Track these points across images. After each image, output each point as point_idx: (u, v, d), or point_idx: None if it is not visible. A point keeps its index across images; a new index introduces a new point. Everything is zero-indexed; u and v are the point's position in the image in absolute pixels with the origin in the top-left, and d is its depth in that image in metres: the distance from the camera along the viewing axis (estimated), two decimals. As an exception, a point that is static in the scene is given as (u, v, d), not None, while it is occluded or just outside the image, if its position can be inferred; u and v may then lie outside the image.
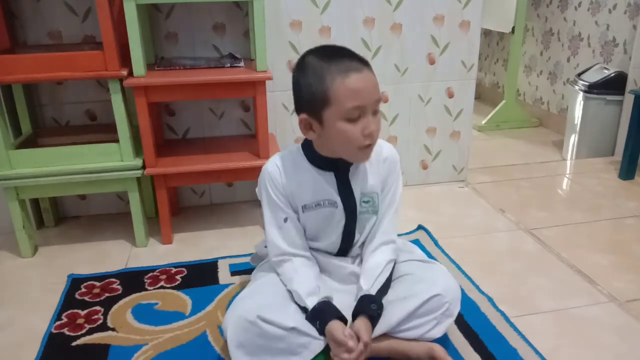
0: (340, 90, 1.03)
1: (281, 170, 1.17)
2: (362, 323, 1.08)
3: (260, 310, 1.06)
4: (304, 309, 1.11)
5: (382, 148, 1.22)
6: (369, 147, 1.09)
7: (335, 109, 1.05)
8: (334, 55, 1.07)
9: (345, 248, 1.25)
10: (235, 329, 1.06)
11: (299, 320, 1.08)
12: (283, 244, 1.18)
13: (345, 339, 1.05)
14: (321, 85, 1.04)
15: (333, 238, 1.22)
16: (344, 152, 1.12)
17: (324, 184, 1.17)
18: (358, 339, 1.06)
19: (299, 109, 1.12)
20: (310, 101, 1.08)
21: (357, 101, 1.04)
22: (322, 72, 1.05)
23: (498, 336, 1.24)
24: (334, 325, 1.07)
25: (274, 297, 1.13)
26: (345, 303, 1.14)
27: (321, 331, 1.08)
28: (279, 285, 1.17)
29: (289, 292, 1.15)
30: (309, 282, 1.13)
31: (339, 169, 1.17)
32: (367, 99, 1.05)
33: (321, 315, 1.08)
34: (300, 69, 1.10)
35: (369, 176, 1.20)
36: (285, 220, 1.18)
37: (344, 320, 1.10)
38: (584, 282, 1.49)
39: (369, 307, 1.10)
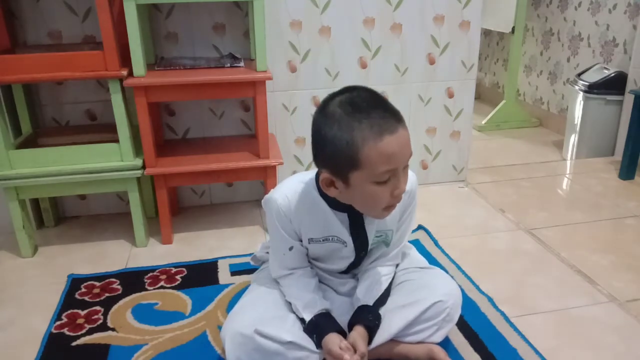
0: (372, 154, 0.93)
1: (291, 204, 1.09)
2: (358, 334, 1.07)
3: (258, 324, 1.04)
4: (302, 320, 1.09)
5: None
6: (394, 206, 1.03)
7: (365, 172, 0.95)
8: (364, 108, 0.94)
9: (350, 272, 1.23)
10: (232, 343, 1.05)
11: (296, 333, 1.07)
12: (284, 269, 1.15)
13: (341, 353, 1.02)
14: (350, 146, 0.93)
15: (337, 267, 1.19)
16: (367, 211, 1.04)
17: (336, 222, 1.09)
18: (355, 350, 1.04)
19: (320, 163, 1.01)
20: (335, 160, 0.97)
21: (391, 165, 0.95)
22: (351, 130, 0.93)
23: (498, 336, 1.24)
24: (331, 338, 1.04)
25: (272, 308, 1.11)
26: (345, 310, 1.13)
27: (318, 344, 1.06)
28: (277, 295, 1.15)
29: (288, 302, 1.13)
30: (307, 294, 1.11)
31: (354, 210, 1.07)
32: (400, 162, 0.96)
33: (318, 328, 1.07)
34: (324, 118, 0.97)
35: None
36: (291, 249, 1.13)
37: (342, 332, 1.08)
38: (584, 282, 1.49)
39: (366, 317, 1.09)
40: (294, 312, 1.11)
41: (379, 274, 1.16)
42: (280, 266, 1.16)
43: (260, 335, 1.03)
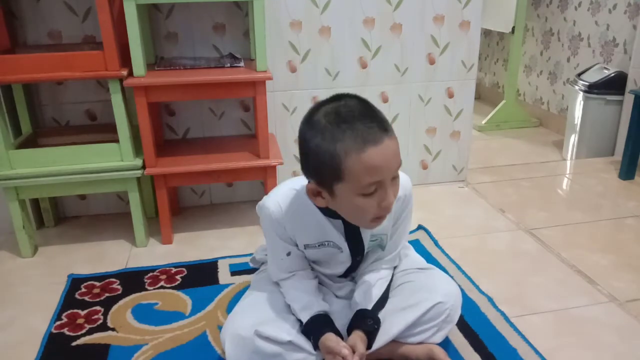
0: (355, 167, 0.90)
1: (284, 211, 1.08)
2: (357, 336, 1.06)
3: (257, 325, 1.04)
4: (300, 322, 1.09)
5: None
6: (384, 217, 1.00)
7: (349, 185, 0.93)
8: (349, 118, 0.91)
9: (348, 275, 1.22)
10: (231, 344, 1.05)
11: (295, 334, 1.07)
12: (284, 272, 1.15)
13: (338, 347, 1.02)
14: (333, 157, 0.91)
15: (335, 271, 1.19)
16: (354, 221, 1.03)
17: (331, 229, 1.08)
18: (354, 352, 1.03)
19: (306, 172, 1.00)
20: (319, 171, 0.96)
21: (375, 177, 0.92)
22: (334, 141, 0.91)
23: (498, 336, 1.24)
24: (328, 336, 1.04)
25: (272, 310, 1.11)
26: (344, 313, 1.13)
27: (316, 345, 1.06)
28: (277, 296, 1.15)
29: (288, 304, 1.13)
30: (305, 296, 1.11)
31: None
32: (386, 174, 0.93)
33: (315, 329, 1.06)
34: (309, 128, 0.95)
35: None
36: (288, 254, 1.13)
37: (339, 335, 1.07)
38: (584, 282, 1.49)
39: (365, 322, 1.08)
40: (294, 314, 1.11)
41: (376, 277, 1.16)
42: (279, 270, 1.16)
43: (260, 337, 1.03)
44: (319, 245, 1.11)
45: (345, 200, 0.96)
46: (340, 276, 1.21)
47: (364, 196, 0.94)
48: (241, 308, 1.14)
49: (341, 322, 1.11)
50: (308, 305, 1.09)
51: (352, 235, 1.10)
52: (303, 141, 0.96)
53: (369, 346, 1.08)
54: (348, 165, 0.91)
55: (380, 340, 1.10)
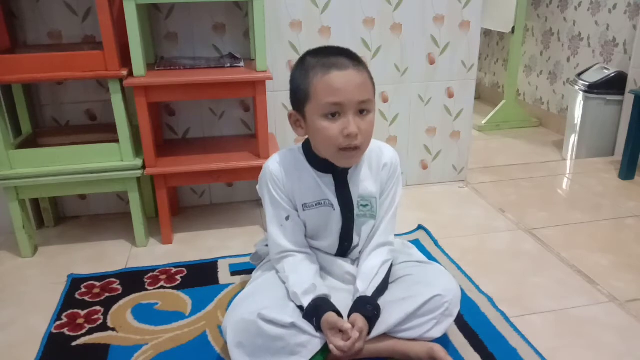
0: (318, 85, 1.04)
1: (282, 169, 1.17)
2: (357, 316, 1.09)
3: (260, 309, 1.06)
4: (301, 308, 1.10)
5: (383, 152, 1.21)
6: (353, 150, 1.08)
7: (314, 104, 1.05)
8: (326, 52, 1.08)
9: (343, 250, 1.24)
10: (234, 329, 1.06)
11: (297, 316, 1.08)
12: (284, 242, 1.18)
13: (340, 321, 1.05)
14: (304, 79, 1.06)
15: (331, 240, 1.22)
16: (326, 153, 1.11)
17: (322, 186, 1.16)
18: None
19: (291, 103, 1.13)
20: (295, 95, 1.10)
21: (335, 98, 1.03)
22: (308, 67, 1.06)
23: (498, 336, 1.24)
24: (330, 314, 1.07)
25: (273, 296, 1.12)
26: (345, 302, 1.14)
27: (318, 327, 1.08)
28: (278, 285, 1.17)
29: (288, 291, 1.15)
30: (306, 280, 1.13)
31: (337, 172, 1.16)
32: (346, 97, 1.03)
33: (317, 311, 1.08)
34: (298, 62, 1.12)
35: (368, 181, 1.19)
36: (287, 218, 1.18)
37: (340, 316, 1.09)
38: (584, 282, 1.49)
39: (365, 308, 1.10)
40: (294, 301, 1.12)
41: (376, 263, 1.18)
42: (280, 239, 1.18)
43: (263, 320, 1.05)
44: (316, 205, 1.17)
45: (312, 124, 1.07)
46: (336, 254, 1.24)
47: (327, 119, 1.05)
48: (245, 296, 1.15)
49: (340, 305, 1.12)
50: (311, 290, 1.11)
51: (342, 192, 1.17)
52: (291, 75, 1.11)
53: (368, 332, 1.10)
54: (314, 84, 1.04)
55: (379, 328, 1.11)
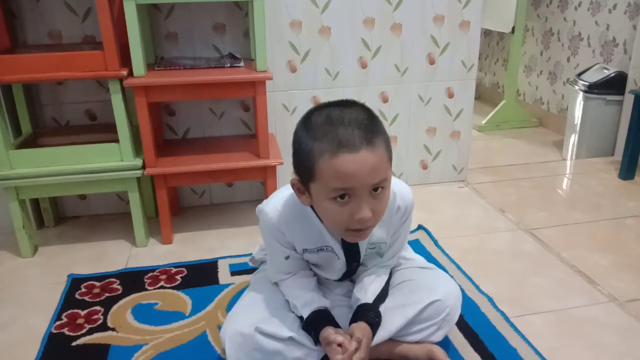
0: (325, 169, 0.90)
1: (282, 217, 1.08)
2: (356, 325, 1.06)
3: (258, 322, 1.04)
4: (301, 318, 1.09)
5: (396, 195, 1.08)
6: (362, 231, 0.97)
7: (320, 186, 0.92)
8: (337, 122, 0.91)
9: (346, 278, 1.22)
10: (232, 344, 1.05)
11: (296, 331, 1.07)
12: (283, 274, 1.15)
13: (334, 335, 1.01)
14: (309, 155, 0.92)
15: (332, 275, 1.19)
16: (332, 230, 1.03)
17: (327, 235, 1.08)
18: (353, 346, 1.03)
19: (294, 167, 1.00)
20: (299, 167, 0.96)
21: (344, 184, 0.90)
22: (315, 140, 0.91)
23: (498, 336, 1.24)
24: (327, 330, 1.04)
25: (272, 308, 1.11)
26: (345, 317, 1.13)
27: (316, 340, 1.06)
28: (276, 295, 1.15)
29: (287, 302, 1.13)
30: (306, 292, 1.11)
31: None
32: (357, 182, 0.90)
33: (316, 324, 1.07)
34: (302, 124, 0.96)
35: (378, 229, 1.08)
36: (287, 258, 1.13)
37: (339, 328, 1.08)
38: (583, 282, 1.49)
39: (367, 314, 1.09)
40: (294, 312, 1.11)
41: (375, 274, 1.16)
42: (278, 272, 1.16)
43: (260, 334, 1.03)
44: (317, 250, 1.11)
45: (317, 202, 0.96)
46: (337, 280, 1.21)
47: (334, 202, 0.93)
48: (241, 307, 1.14)
49: (342, 323, 1.11)
50: (309, 302, 1.09)
51: (349, 245, 1.10)
52: (294, 136, 0.98)
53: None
54: (319, 165, 0.91)
55: (380, 335, 1.10)
